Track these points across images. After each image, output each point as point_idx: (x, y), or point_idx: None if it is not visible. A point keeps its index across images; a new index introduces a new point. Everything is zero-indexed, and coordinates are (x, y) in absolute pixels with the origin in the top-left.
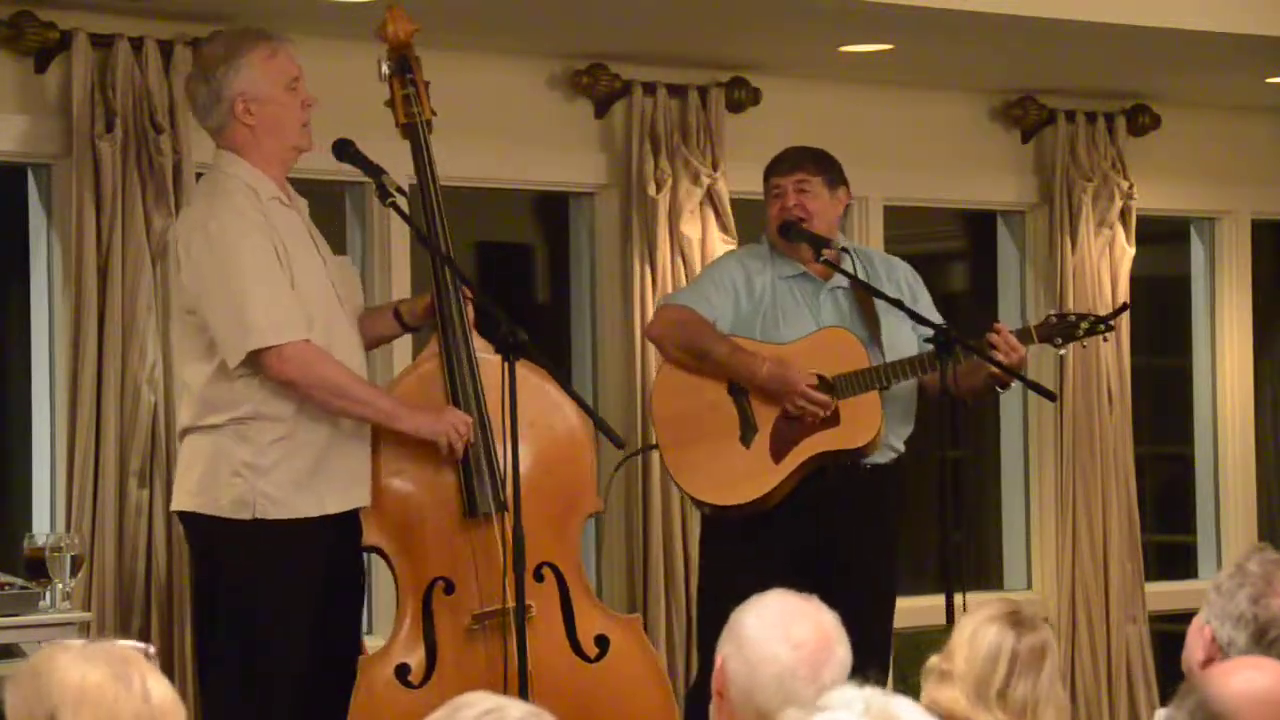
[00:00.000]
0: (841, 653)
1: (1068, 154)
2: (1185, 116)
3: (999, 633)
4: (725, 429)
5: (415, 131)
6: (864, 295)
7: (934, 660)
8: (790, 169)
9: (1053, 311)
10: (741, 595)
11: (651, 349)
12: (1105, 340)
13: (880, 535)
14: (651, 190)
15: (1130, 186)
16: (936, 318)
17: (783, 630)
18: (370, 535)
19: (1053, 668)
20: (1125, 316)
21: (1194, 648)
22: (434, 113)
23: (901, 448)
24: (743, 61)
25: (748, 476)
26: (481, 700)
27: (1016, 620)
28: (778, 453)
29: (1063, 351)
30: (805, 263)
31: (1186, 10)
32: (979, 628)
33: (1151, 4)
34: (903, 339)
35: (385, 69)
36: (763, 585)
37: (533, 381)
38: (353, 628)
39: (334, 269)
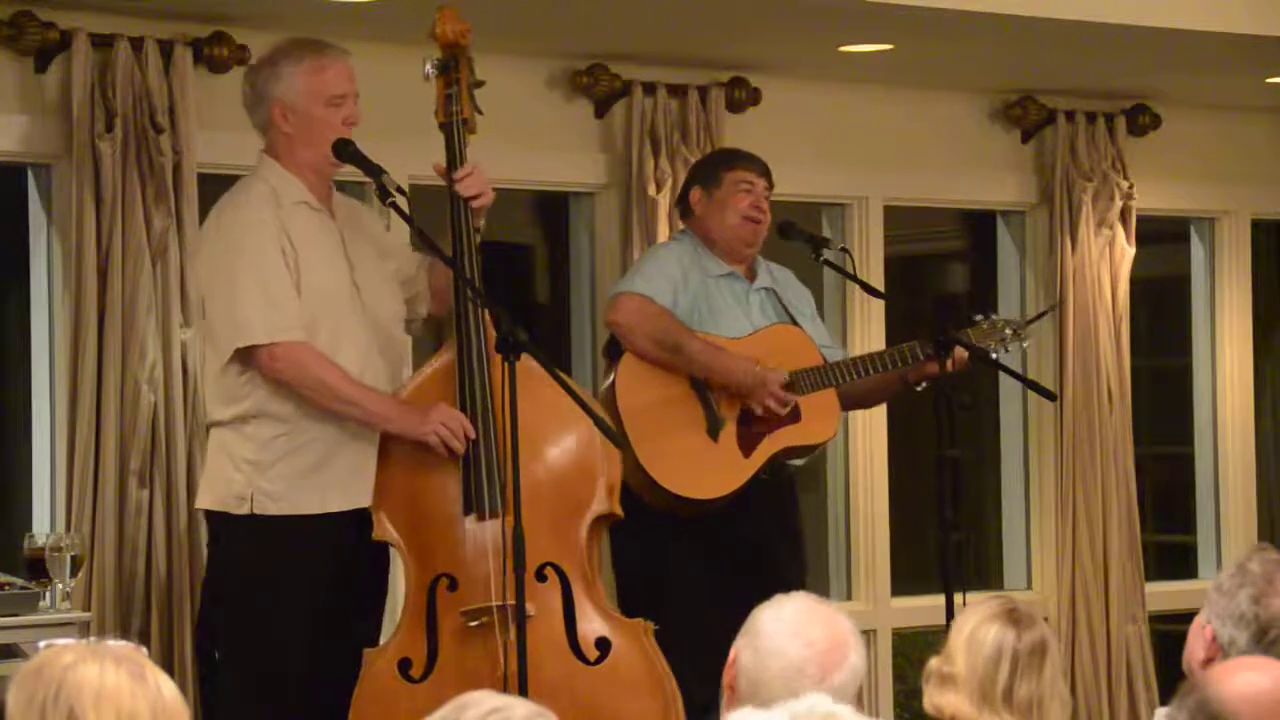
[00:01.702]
0: (855, 659)
1: (1068, 154)
2: (1185, 116)
3: (999, 632)
4: (691, 422)
5: (449, 130)
6: (778, 300)
7: (934, 663)
8: (762, 172)
9: (980, 316)
10: (673, 595)
11: None
12: (1025, 344)
13: (797, 530)
14: (651, 190)
15: (1130, 186)
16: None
17: (796, 628)
18: (380, 530)
19: (1054, 664)
20: (1125, 317)
21: (1195, 647)
22: (480, 112)
23: None
24: (743, 61)
25: (719, 470)
26: (486, 699)
27: (1015, 618)
28: (746, 447)
29: (995, 355)
30: (733, 264)
31: (1186, 10)
32: (977, 627)
33: (1151, 4)
34: (818, 342)
35: (429, 68)
36: (693, 584)
37: (539, 382)
38: (368, 625)
39: (368, 277)
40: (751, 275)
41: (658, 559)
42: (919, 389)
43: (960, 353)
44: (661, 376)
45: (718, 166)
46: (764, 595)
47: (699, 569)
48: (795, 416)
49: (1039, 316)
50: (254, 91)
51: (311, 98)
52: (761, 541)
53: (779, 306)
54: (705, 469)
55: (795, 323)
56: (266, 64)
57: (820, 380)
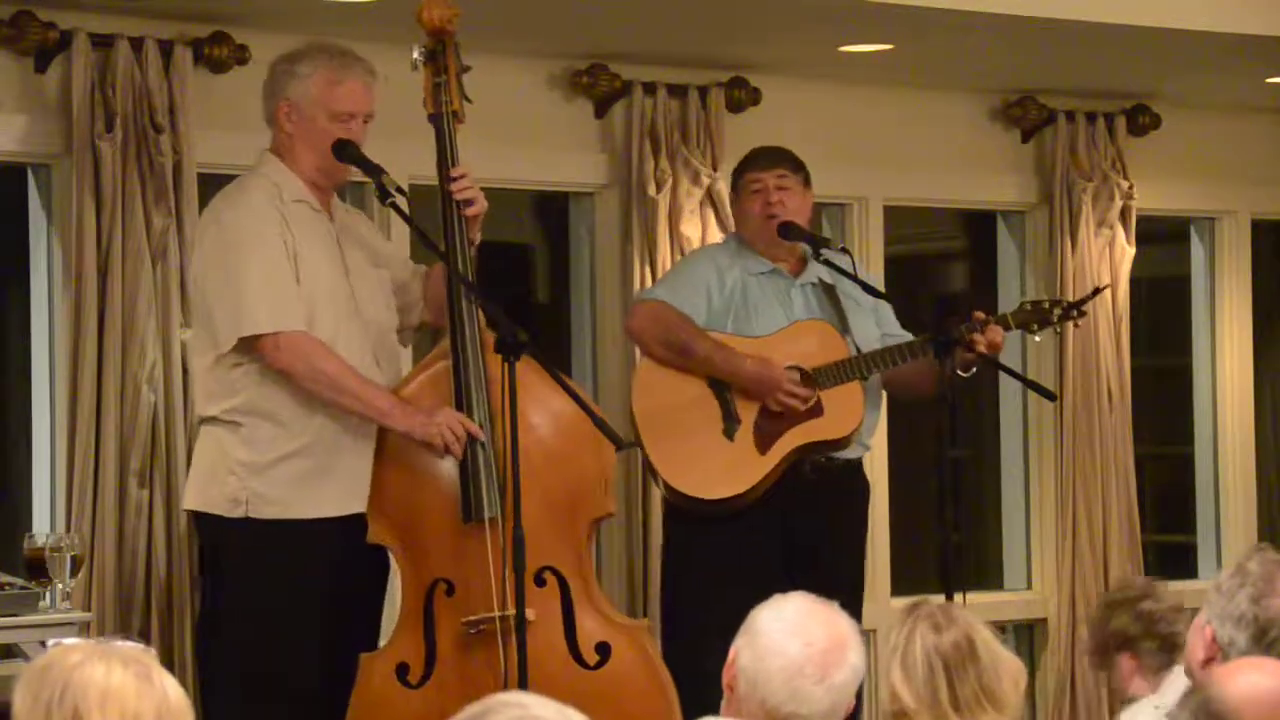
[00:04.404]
0: (854, 658)
1: (1068, 154)
2: (1185, 116)
3: (921, 642)
4: (708, 423)
5: (439, 121)
6: (833, 292)
7: (888, 707)
8: (770, 165)
9: (1026, 299)
10: (716, 594)
11: None
12: (1077, 326)
13: (851, 532)
14: (651, 190)
15: (1130, 186)
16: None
17: (796, 627)
18: (375, 533)
19: (986, 645)
20: (1125, 317)
21: (1195, 648)
22: (469, 100)
23: (870, 444)
24: (743, 61)
25: (733, 470)
26: (511, 703)
27: (933, 623)
28: (763, 445)
29: (1038, 338)
30: (775, 260)
31: (1186, 10)
32: (905, 651)
33: (1151, 4)
34: (870, 336)
35: (416, 55)
36: (738, 582)
37: (538, 383)
38: (365, 629)
39: (363, 282)
40: (798, 270)
41: (704, 558)
42: (966, 375)
43: (994, 332)
44: (679, 379)
45: (739, 173)
46: (814, 591)
47: (746, 567)
48: (817, 411)
49: (1086, 299)
50: (268, 86)
51: (318, 107)
52: (810, 541)
53: (826, 301)
54: (716, 469)
55: (843, 319)
56: (284, 61)
57: (841, 374)
